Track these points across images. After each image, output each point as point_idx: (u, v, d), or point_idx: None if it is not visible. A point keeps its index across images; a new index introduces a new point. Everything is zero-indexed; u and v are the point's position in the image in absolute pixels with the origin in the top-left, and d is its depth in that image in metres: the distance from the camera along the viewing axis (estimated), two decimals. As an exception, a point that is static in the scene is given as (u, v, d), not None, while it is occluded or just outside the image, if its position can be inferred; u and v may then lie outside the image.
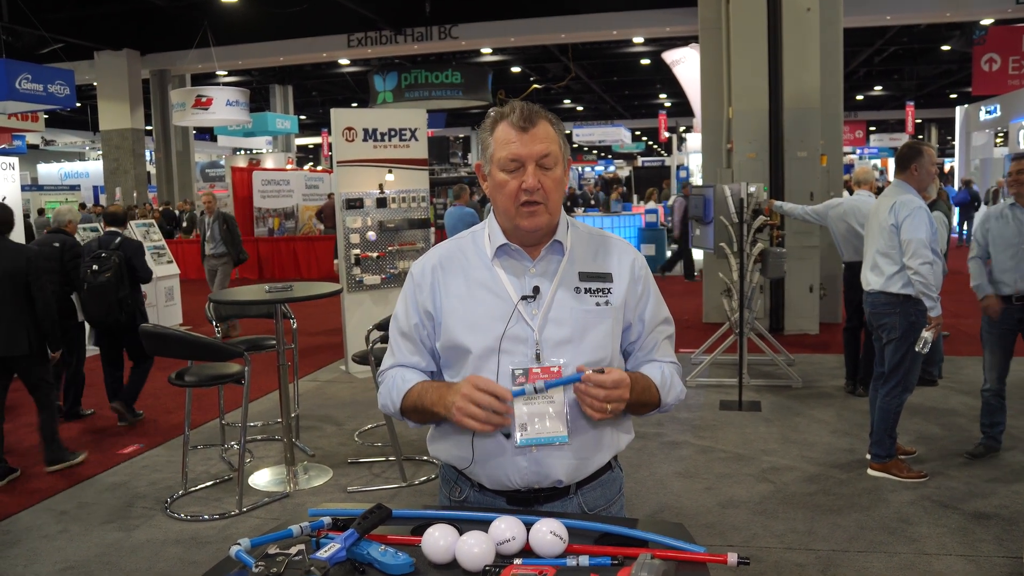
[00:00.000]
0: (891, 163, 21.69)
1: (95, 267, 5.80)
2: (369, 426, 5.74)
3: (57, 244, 5.89)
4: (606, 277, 1.75)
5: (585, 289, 1.73)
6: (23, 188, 12.84)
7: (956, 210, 16.73)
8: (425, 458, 5.03)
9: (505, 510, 1.64)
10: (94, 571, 3.70)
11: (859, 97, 32.43)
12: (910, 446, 4.88)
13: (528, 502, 1.72)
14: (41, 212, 14.57)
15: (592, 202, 21.43)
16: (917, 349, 4.24)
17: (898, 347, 4.32)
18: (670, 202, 16.24)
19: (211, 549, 3.86)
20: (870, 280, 4.45)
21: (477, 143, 39.72)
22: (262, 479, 4.85)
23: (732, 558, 1.43)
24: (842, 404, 5.95)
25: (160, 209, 17.85)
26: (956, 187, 19.02)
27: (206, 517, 4.27)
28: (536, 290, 1.70)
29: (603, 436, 1.76)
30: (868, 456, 4.61)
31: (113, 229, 6.18)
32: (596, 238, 1.82)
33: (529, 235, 1.71)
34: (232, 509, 4.33)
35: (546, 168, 1.67)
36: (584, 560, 1.41)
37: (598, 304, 1.73)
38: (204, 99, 15.66)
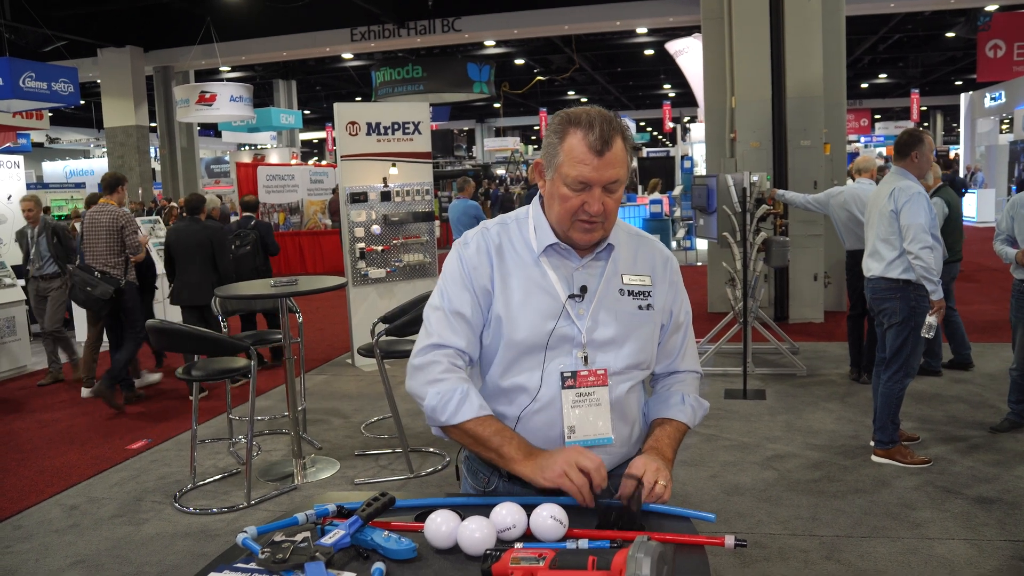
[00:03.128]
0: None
1: (237, 242, 7.43)
2: (375, 419, 5.78)
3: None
4: (645, 280, 1.77)
5: (628, 291, 1.74)
6: (28, 186, 12.87)
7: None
8: (432, 449, 5.07)
9: (539, 497, 1.61)
10: (105, 564, 3.75)
11: (864, 85, 32.33)
12: (913, 432, 4.91)
13: (558, 490, 1.69)
14: (46, 210, 14.55)
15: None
16: (923, 335, 4.27)
17: (899, 332, 4.33)
18: (675, 192, 16.25)
19: (220, 542, 3.90)
20: (870, 266, 4.47)
21: (481, 136, 39.75)
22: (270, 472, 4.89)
23: (729, 540, 1.45)
24: (846, 391, 5.97)
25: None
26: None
27: (215, 510, 4.31)
28: (584, 289, 1.70)
29: (634, 432, 1.80)
30: (872, 443, 4.63)
31: (248, 214, 7.87)
32: (634, 238, 1.81)
33: (581, 246, 1.71)
34: (240, 502, 4.38)
35: (611, 192, 1.62)
36: (583, 543, 1.43)
37: (640, 308, 1.74)
38: (208, 95, 15.66)
